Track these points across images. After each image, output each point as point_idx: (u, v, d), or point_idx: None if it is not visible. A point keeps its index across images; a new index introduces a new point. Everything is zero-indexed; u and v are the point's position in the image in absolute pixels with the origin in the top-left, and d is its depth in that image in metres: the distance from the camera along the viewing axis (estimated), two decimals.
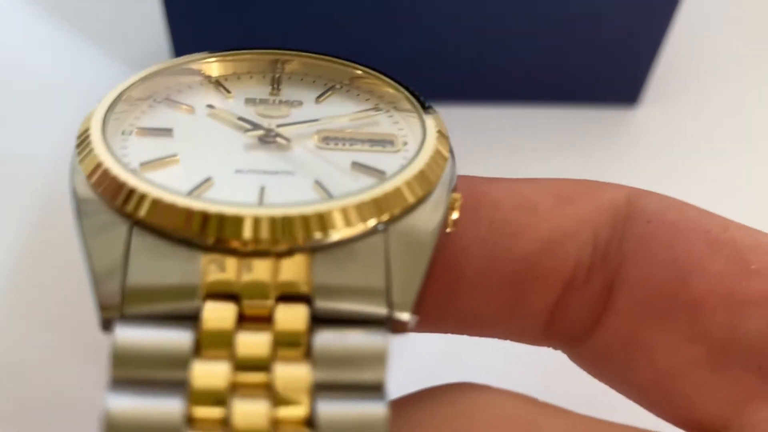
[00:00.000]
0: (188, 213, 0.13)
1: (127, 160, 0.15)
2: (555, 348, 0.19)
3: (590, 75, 0.39)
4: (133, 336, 0.12)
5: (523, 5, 0.35)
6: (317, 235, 0.13)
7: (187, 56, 0.18)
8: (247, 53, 0.18)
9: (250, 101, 0.17)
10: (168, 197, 0.13)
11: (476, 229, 0.16)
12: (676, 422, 0.17)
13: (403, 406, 0.14)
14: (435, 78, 0.38)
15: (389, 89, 0.17)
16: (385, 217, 0.14)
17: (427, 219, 0.14)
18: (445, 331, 0.18)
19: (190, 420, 0.11)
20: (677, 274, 0.16)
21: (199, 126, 0.16)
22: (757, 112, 0.41)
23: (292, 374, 0.12)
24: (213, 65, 0.18)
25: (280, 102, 0.17)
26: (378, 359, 0.12)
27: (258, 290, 0.13)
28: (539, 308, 0.17)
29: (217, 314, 0.12)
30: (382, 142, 0.16)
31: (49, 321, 0.30)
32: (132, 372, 0.12)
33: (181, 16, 0.35)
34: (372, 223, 0.13)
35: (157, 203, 0.13)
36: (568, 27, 0.36)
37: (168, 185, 0.14)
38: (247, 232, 0.13)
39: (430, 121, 0.16)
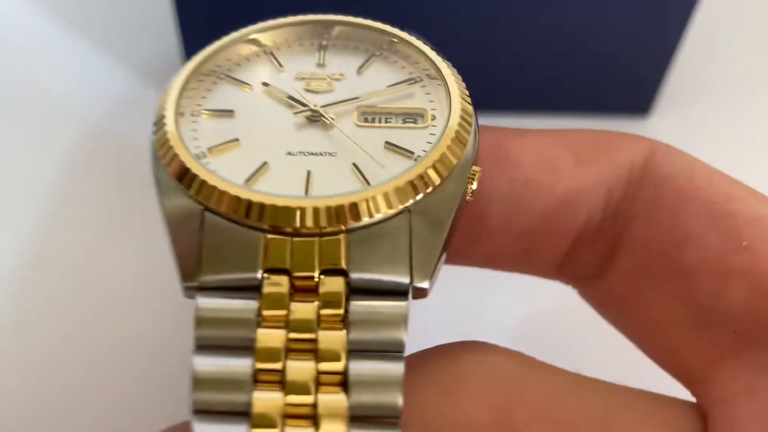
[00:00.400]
0: (247, 203, 0.16)
1: (197, 144, 0.17)
2: (566, 284, 0.21)
3: (602, 85, 0.39)
4: (211, 303, 0.15)
5: (536, 17, 0.35)
6: (353, 222, 0.16)
7: (246, 29, 0.21)
8: (297, 21, 0.21)
9: (299, 76, 0.20)
10: (228, 188, 0.16)
11: (499, 186, 0.19)
12: (663, 366, 0.19)
13: (416, 363, 0.16)
14: None
15: (421, 57, 0.20)
16: (415, 199, 0.16)
17: (447, 196, 0.16)
18: (471, 265, 0.21)
19: (255, 373, 0.14)
20: (676, 241, 0.17)
21: (257, 106, 0.19)
22: None
23: (333, 337, 0.15)
24: (268, 34, 0.21)
25: (326, 76, 0.20)
26: (399, 323, 0.15)
27: (305, 265, 0.15)
28: (552, 255, 0.20)
29: (275, 283, 0.15)
30: (414, 116, 0.19)
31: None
32: (211, 332, 0.15)
33: (193, 21, 0.35)
34: (403, 205, 0.16)
35: (220, 193, 0.16)
36: (581, 38, 0.36)
37: (230, 172, 0.17)
38: (296, 221, 0.15)
39: (455, 93, 0.19)
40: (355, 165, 0.17)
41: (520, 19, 0.36)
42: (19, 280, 0.32)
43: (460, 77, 0.19)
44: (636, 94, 0.40)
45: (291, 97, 0.19)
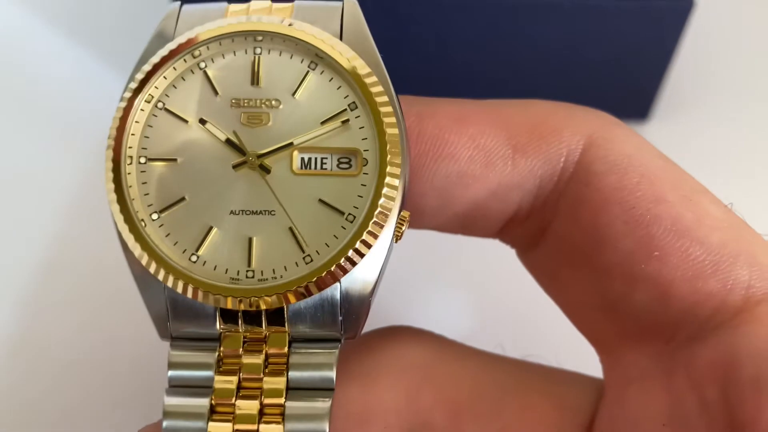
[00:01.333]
0: (193, 288, 0.18)
1: (149, 204, 0.19)
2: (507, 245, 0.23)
3: (602, 91, 0.39)
4: (179, 353, 0.19)
5: (537, 26, 0.36)
6: (291, 301, 0.18)
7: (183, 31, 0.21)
8: (229, 30, 0.20)
9: (235, 103, 0.20)
10: (172, 267, 0.19)
11: (433, 180, 0.20)
12: (582, 334, 0.21)
13: (345, 357, 0.19)
14: (448, 97, 0.39)
15: (348, 77, 0.20)
16: (350, 271, 0.18)
17: (375, 256, 0.19)
18: (422, 229, 0.22)
19: (213, 407, 0.18)
20: (593, 242, 0.19)
21: (197, 150, 0.20)
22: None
23: (276, 380, 0.18)
24: (203, 49, 0.20)
25: (262, 103, 0.20)
26: (330, 365, 0.18)
27: (255, 330, 0.19)
28: (485, 230, 0.21)
29: (231, 337, 0.19)
30: (348, 158, 0.20)
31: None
32: (178, 374, 0.19)
33: None
34: (337, 281, 0.18)
35: (166, 269, 0.18)
36: (578, 45, 0.37)
37: (177, 241, 0.19)
38: (236, 304, 0.18)
39: (388, 125, 0.19)
40: (291, 230, 0.19)
41: (521, 27, 0.36)
42: (35, 285, 0.32)
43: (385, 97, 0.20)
44: (635, 99, 0.40)
45: (229, 141, 0.20)
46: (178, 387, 0.18)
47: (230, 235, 0.19)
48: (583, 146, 0.19)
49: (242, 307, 0.18)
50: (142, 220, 0.19)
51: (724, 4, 0.47)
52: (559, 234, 0.19)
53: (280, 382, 0.18)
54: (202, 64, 0.20)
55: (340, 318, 0.18)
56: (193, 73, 0.20)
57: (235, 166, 0.19)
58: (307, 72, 0.20)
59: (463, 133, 0.19)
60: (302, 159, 0.19)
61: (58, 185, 0.37)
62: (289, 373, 0.18)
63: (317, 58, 0.20)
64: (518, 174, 0.19)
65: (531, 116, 0.20)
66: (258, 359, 0.18)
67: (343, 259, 0.18)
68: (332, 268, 0.18)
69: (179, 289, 0.18)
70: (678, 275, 0.17)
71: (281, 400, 0.18)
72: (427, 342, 0.19)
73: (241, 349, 0.18)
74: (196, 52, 0.20)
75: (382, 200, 0.18)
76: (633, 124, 0.41)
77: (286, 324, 0.18)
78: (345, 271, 0.18)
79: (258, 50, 0.20)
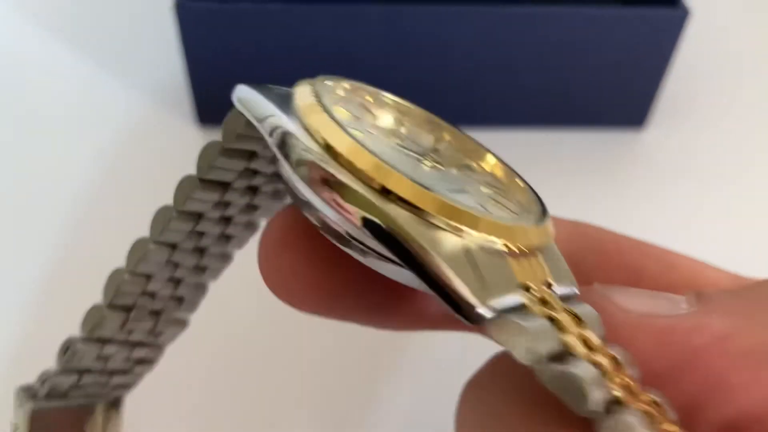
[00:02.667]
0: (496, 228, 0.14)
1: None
2: None
3: (598, 98, 0.40)
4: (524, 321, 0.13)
5: (533, 33, 0.36)
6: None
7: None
8: (414, 109, 0.18)
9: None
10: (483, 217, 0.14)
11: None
12: None
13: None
14: (446, 103, 0.39)
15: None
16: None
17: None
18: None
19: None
20: (631, 276, 0.19)
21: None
22: (765, 134, 0.42)
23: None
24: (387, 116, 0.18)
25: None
26: None
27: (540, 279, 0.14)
28: None
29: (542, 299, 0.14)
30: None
31: None
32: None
33: (197, 43, 0.36)
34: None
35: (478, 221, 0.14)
36: (575, 52, 0.37)
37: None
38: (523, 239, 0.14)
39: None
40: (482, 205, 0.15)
41: (516, 35, 0.36)
42: (43, 292, 0.32)
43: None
44: (631, 107, 0.40)
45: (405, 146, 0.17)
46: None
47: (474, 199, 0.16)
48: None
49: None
50: None
51: (719, 13, 0.48)
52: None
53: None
54: None
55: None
56: None
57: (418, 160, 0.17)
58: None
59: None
60: (462, 167, 0.18)
61: (65, 187, 0.37)
62: None
63: None
64: None
65: None
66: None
67: None
68: None
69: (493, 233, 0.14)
70: None
71: None
72: None
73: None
74: None
75: None
76: (629, 132, 0.41)
77: None
78: None
79: None
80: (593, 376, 0.12)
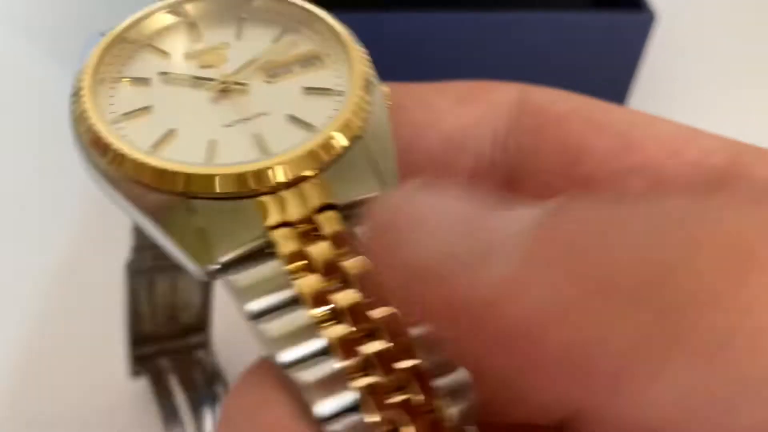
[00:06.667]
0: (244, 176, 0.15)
1: (113, 109, 0.16)
2: None
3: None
4: (245, 276, 0.14)
5: (502, 37, 0.37)
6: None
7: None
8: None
9: (188, 56, 0.18)
10: (220, 171, 0.15)
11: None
12: None
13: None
14: None
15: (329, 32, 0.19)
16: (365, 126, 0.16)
17: (380, 118, 0.17)
18: None
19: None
20: (569, 158, 0.17)
21: (173, 86, 0.17)
22: (733, 135, 0.43)
23: (356, 262, 0.14)
24: (192, 5, 0.19)
25: (210, 48, 0.18)
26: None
27: (299, 212, 0.15)
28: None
29: (285, 237, 0.14)
30: (312, 60, 0.18)
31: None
32: (256, 301, 0.14)
33: None
34: (355, 134, 0.16)
35: (212, 177, 0.15)
36: (544, 57, 0.38)
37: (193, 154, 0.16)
38: (274, 179, 0.15)
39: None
40: (290, 116, 0.17)
41: (485, 40, 0.37)
42: (48, 293, 0.33)
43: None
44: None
45: (197, 77, 0.18)
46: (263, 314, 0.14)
47: (231, 141, 0.16)
48: (520, 93, 0.19)
49: None
50: None
51: (685, 17, 0.49)
52: (532, 171, 0.18)
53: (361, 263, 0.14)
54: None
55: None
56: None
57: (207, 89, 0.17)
58: (285, 30, 0.19)
59: (407, 89, 0.19)
60: (269, 71, 0.18)
61: (70, 193, 0.37)
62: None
63: None
64: (467, 119, 0.18)
65: (463, 84, 0.20)
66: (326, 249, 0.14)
67: None
68: None
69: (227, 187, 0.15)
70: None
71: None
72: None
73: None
74: None
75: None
76: None
77: None
78: None
79: None
80: (323, 375, 0.13)
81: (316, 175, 0.15)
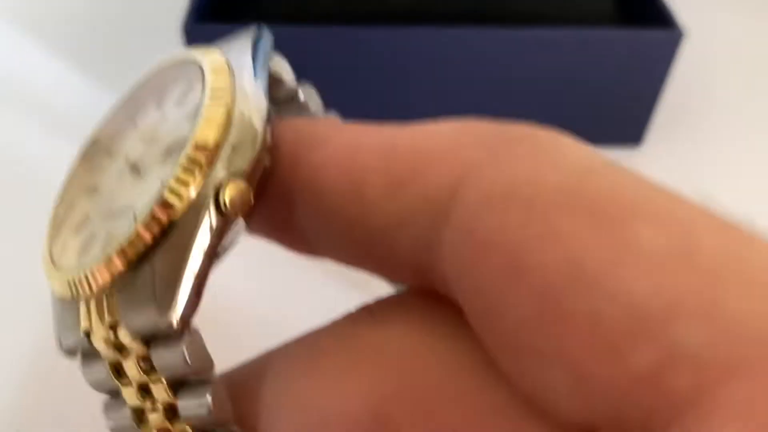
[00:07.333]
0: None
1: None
2: None
3: (595, 117, 0.41)
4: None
5: (530, 53, 0.37)
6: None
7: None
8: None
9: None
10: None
11: (308, 218, 0.14)
12: None
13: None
14: None
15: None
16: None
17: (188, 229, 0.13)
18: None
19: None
20: (481, 305, 0.12)
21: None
22: (760, 151, 0.43)
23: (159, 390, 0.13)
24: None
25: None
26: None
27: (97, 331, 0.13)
28: (393, 274, 0.15)
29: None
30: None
31: None
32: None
33: None
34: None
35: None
36: (574, 72, 0.38)
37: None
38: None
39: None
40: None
41: (516, 56, 0.37)
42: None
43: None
44: (628, 125, 0.41)
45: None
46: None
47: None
48: (460, 177, 0.13)
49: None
50: None
51: (712, 35, 0.49)
52: (457, 290, 0.13)
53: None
54: None
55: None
56: None
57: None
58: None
59: (329, 150, 0.14)
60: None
61: None
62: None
63: None
64: (397, 213, 0.14)
65: (418, 142, 0.14)
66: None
67: None
68: None
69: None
70: (588, 352, 0.11)
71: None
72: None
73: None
74: None
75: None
76: (627, 149, 0.42)
77: None
78: None
79: None
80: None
81: (112, 288, 0.13)
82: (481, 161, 0.13)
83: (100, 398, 0.14)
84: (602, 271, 0.10)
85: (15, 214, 0.37)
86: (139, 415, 0.13)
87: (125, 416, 0.13)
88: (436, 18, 0.38)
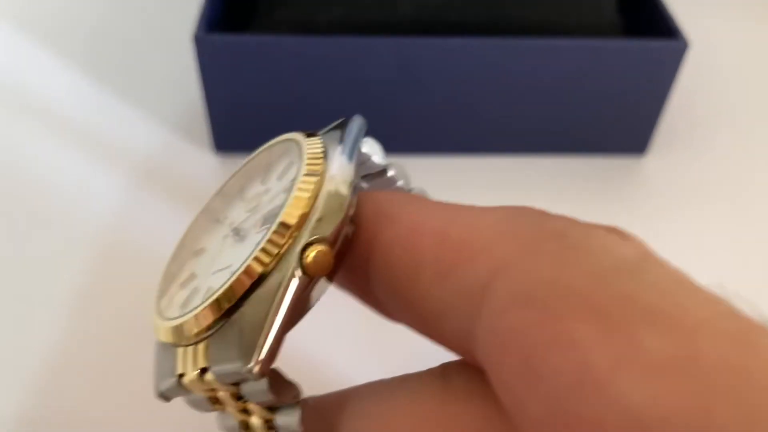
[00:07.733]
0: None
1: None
2: None
3: (600, 126, 0.41)
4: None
5: (535, 63, 0.38)
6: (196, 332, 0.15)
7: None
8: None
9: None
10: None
11: (379, 288, 0.15)
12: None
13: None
14: (453, 132, 0.40)
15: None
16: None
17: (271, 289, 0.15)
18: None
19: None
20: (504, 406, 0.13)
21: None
22: (764, 161, 0.43)
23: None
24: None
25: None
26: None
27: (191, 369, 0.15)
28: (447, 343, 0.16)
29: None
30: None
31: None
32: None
33: (214, 73, 0.38)
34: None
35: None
36: (579, 82, 0.39)
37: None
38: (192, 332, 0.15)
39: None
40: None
41: (522, 66, 0.38)
42: (71, 330, 0.33)
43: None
44: (633, 134, 0.42)
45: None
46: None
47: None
48: (493, 272, 0.14)
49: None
50: None
51: (716, 45, 0.49)
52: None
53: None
54: None
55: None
56: None
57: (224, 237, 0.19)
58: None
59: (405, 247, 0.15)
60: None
61: (85, 208, 0.38)
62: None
63: None
64: (443, 297, 0.15)
65: (465, 231, 0.15)
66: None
67: None
68: None
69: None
70: None
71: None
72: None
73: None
74: None
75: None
76: (631, 159, 0.42)
77: None
78: None
79: None
80: None
81: (206, 335, 0.15)
82: (513, 257, 0.13)
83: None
84: (607, 377, 0.11)
85: (25, 221, 0.38)
86: (245, 425, 0.15)
87: (233, 425, 0.16)
88: (444, 28, 0.39)
